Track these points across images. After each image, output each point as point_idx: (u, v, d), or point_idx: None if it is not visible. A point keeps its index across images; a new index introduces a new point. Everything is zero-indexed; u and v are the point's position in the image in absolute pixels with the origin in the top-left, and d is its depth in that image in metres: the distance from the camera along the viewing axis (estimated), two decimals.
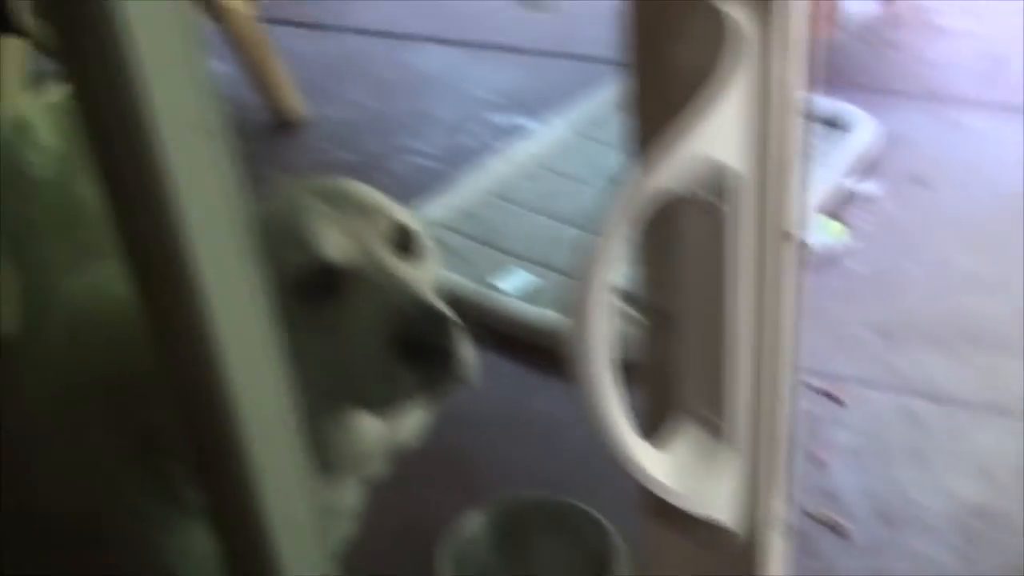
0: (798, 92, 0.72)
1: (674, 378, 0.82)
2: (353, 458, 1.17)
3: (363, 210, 1.12)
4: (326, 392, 1.06)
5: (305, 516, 0.81)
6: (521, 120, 3.13)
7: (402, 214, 1.16)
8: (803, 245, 0.78)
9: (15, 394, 1.36)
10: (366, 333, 1.04)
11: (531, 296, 2.39)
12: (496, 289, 2.41)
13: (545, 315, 2.29)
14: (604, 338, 0.71)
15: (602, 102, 3.14)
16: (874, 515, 1.79)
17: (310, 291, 1.06)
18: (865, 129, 2.78)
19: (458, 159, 2.93)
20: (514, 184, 2.81)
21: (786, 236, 0.77)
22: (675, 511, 0.83)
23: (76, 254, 1.39)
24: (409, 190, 2.77)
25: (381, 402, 1.07)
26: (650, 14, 0.70)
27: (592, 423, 0.74)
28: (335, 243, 1.08)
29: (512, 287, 2.43)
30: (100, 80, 0.61)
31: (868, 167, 2.69)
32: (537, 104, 3.19)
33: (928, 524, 1.76)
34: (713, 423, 0.82)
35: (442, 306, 1.06)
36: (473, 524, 1.56)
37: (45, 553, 1.31)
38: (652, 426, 0.84)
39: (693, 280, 0.77)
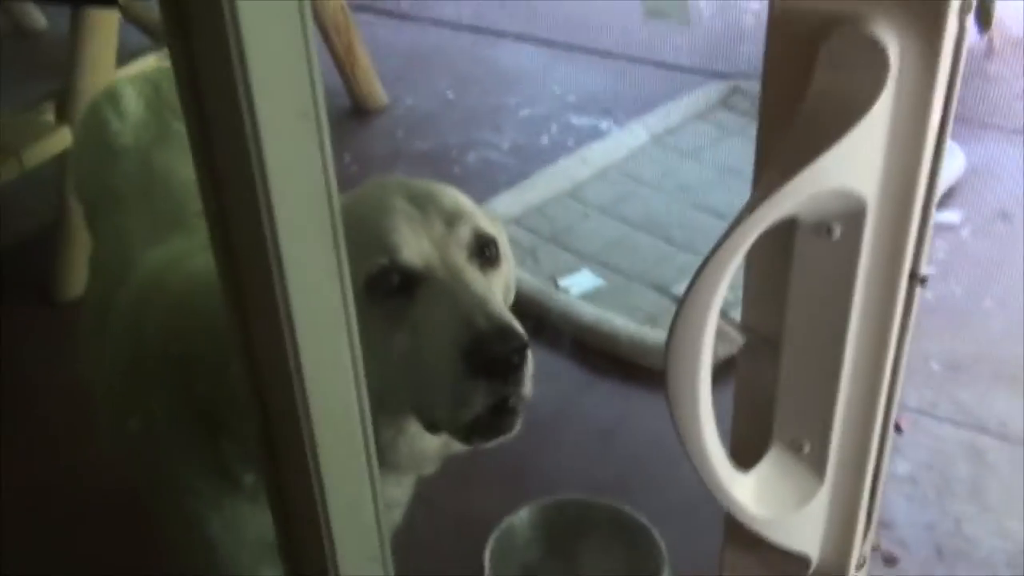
0: (942, 125, 0.69)
1: (767, 402, 0.79)
2: (407, 460, 1.17)
3: (447, 215, 1.11)
4: (387, 392, 1.04)
5: (363, 502, 0.81)
6: (599, 122, 3.13)
7: (484, 220, 1.15)
8: (924, 280, 0.75)
9: (92, 360, 1.39)
10: (438, 342, 1.03)
11: (593, 297, 2.38)
12: (560, 288, 2.41)
13: (606, 317, 2.28)
14: (706, 364, 0.70)
15: (681, 110, 3.12)
16: (928, 547, 1.76)
17: (384, 291, 1.06)
18: (949, 158, 2.73)
19: (534, 156, 2.94)
20: (587, 185, 2.81)
21: (914, 276, 0.74)
22: (756, 538, 0.81)
23: (151, 223, 1.41)
24: (482, 183, 2.78)
25: (443, 411, 1.06)
26: (794, 36, 0.68)
27: (683, 442, 0.73)
28: (415, 248, 1.07)
29: (576, 287, 2.42)
30: (203, 54, 0.62)
31: (949, 196, 2.64)
32: (616, 108, 3.18)
33: (982, 560, 1.73)
34: (804, 451, 0.79)
35: (516, 325, 1.04)
36: (519, 521, 1.56)
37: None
38: (739, 448, 0.82)
39: (800, 306, 0.74)
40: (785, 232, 0.71)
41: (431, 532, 1.62)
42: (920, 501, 1.85)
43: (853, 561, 0.85)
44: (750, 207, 0.67)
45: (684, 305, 0.69)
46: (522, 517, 1.56)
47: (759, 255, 0.73)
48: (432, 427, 1.11)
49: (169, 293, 1.25)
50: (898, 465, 1.91)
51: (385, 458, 1.11)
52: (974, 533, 1.78)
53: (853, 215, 0.69)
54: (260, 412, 0.78)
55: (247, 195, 0.66)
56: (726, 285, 0.69)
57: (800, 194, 0.66)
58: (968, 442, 1.97)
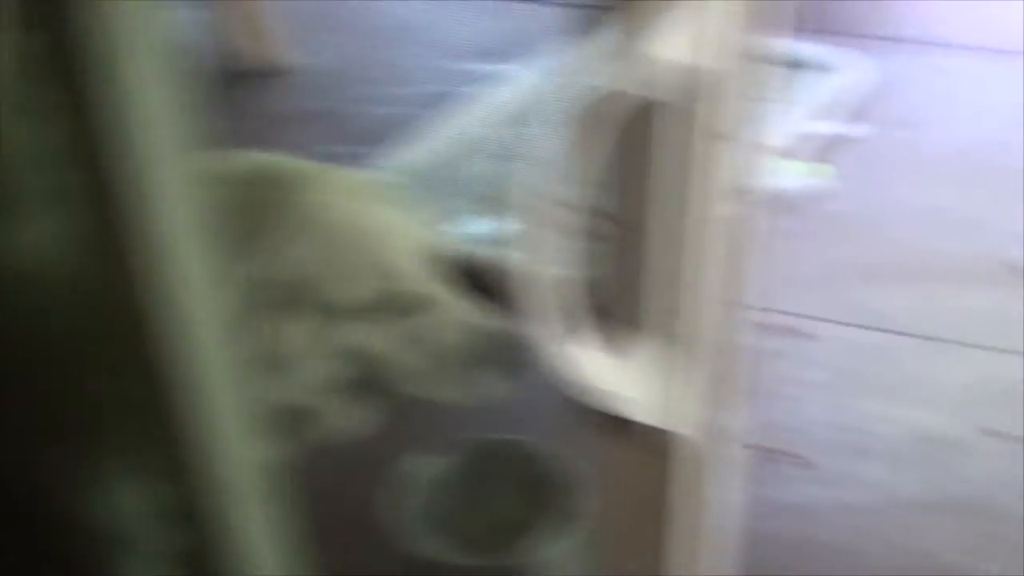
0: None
1: (634, 288, 0.82)
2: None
3: (419, 244, 1.23)
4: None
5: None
6: (495, 68, 3.11)
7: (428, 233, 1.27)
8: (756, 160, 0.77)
9: None
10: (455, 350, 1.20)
11: (495, 241, 2.36)
12: (457, 235, 2.39)
13: (507, 260, 2.26)
14: (554, 259, 0.71)
15: (577, 49, 3.09)
16: (839, 447, 1.79)
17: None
18: (855, 72, 2.75)
19: (433, 106, 2.91)
20: (485, 132, 2.79)
21: (719, 135, 0.75)
22: (623, 420, 0.83)
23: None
24: (381, 137, 2.75)
25: (454, 397, 1.23)
26: None
27: (529, 323, 0.73)
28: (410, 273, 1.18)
29: (477, 233, 2.40)
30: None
31: (858, 110, 2.66)
32: (512, 51, 3.16)
33: (891, 454, 1.78)
34: (670, 334, 0.82)
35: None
36: (426, 467, 1.53)
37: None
38: (614, 337, 0.83)
39: (654, 189, 0.77)
40: (641, 118, 0.73)
41: (353, 482, 1.60)
42: (832, 405, 1.88)
43: (717, 433, 0.88)
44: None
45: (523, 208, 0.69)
46: (428, 462, 1.53)
47: (621, 143, 0.74)
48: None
49: (18, 285, 1.17)
50: (810, 373, 1.94)
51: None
52: (882, 429, 1.83)
53: (686, 87, 0.69)
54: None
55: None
56: (566, 179, 0.70)
57: (630, 71, 0.67)
58: (877, 344, 2.02)
